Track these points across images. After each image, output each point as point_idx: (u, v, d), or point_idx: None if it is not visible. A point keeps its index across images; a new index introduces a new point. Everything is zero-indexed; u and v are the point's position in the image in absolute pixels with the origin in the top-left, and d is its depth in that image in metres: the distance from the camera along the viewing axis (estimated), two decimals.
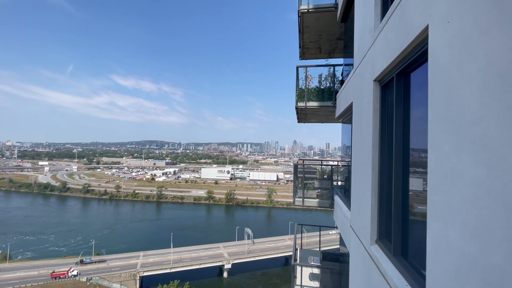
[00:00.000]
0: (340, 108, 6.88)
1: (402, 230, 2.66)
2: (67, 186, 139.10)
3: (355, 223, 4.34)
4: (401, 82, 2.76)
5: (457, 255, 1.36)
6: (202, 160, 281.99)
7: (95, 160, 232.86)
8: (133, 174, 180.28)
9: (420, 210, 2.35)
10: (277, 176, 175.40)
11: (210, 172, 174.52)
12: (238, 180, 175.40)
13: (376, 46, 3.33)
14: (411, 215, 2.57)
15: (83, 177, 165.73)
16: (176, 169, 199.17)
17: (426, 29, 1.90)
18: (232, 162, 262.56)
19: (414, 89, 2.58)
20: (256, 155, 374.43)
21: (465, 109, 1.38)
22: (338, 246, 7.33)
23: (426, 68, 1.93)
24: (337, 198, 7.19)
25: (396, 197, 2.73)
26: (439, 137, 1.62)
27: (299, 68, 8.33)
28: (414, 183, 2.53)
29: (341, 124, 8.08)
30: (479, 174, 1.26)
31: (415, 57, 2.36)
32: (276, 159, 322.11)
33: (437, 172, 1.63)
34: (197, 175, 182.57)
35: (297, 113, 9.01)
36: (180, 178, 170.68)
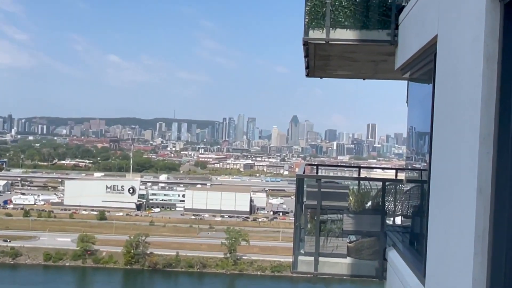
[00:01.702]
0: (408, 47, 7.13)
1: None
2: None
3: None
4: None
5: None
6: (68, 161, 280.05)
7: None
8: None
9: None
10: (252, 201, 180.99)
11: (87, 191, 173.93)
12: (157, 210, 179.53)
13: None
14: None
15: None
16: (2, 183, 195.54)
17: None
18: (142, 166, 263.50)
19: None
20: (202, 151, 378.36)
21: None
22: None
23: None
24: (395, 257, 7.53)
25: None
26: None
27: None
28: None
29: (406, 84, 8.34)
30: None
31: None
32: (249, 161, 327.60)
33: None
34: (54, 198, 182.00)
35: (306, 55, 9.20)
36: (11, 205, 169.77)
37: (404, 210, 8.66)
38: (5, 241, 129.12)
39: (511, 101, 3.40)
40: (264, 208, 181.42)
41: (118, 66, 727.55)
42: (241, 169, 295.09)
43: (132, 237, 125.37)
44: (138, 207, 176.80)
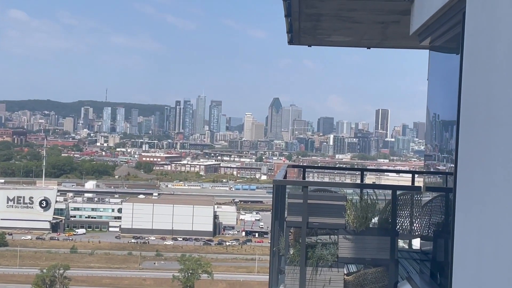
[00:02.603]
0: (427, 5, 7.21)
1: None
2: None
3: None
4: None
5: None
6: None
7: None
8: None
9: None
10: (216, 217, 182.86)
11: None
12: (81, 232, 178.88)
13: None
14: None
15: None
16: None
17: None
18: (61, 169, 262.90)
19: None
20: (147, 147, 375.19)
21: None
22: None
23: None
24: None
25: None
26: None
27: None
28: None
29: (427, 55, 8.43)
30: None
31: None
32: (213, 161, 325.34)
33: None
34: None
35: (287, 14, 9.31)
36: None
37: (423, 230, 8.77)
38: None
39: None
40: (233, 227, 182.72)
41: (25, 26, 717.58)
42: (202, 173, 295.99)
43: (45, 271, 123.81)
44: (55, 227, 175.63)
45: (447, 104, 6.64)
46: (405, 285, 7.97)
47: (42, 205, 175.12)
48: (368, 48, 12.49)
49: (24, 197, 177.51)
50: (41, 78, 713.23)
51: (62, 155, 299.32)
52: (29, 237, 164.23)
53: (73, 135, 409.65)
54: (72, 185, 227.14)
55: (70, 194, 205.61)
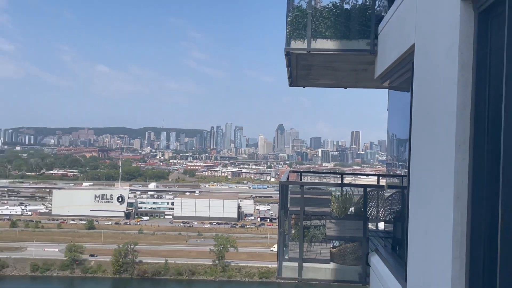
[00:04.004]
0: (387, 56, 7.17)
1: None
2: None
3: None
4: None
5: None
6: (56, 172, 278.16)
7: None
8: None
9: None
10: (240, 208, 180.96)
11: (75, 200, 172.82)
12: (146, 218, 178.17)
13: None
14: None
15: None
16: None
17: None
18: (131, 175, 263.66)
19: None
20: (191, 159, 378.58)
21: None
22: None
23: None
24: (377, 262, 7.55)
25: (507, 260, 2.90)
26: None
27: None
28: None
29: (387, 92, 8.39)
30: None
31: None
32: (237, 168, 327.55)
33: None
34: (42, 208, 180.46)
35: (288, 65, 9.23)
36: None
37: (385, 216, 8.67)
38: None
39: (486, 108, 3.42)
40: (251, 215, 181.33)
41: (107, 76, 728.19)
42: (229, 177, 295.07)
43: (121, 246, 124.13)
44: (127, 215, 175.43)
45: (401, 127, 6.60)
46: (374, 255, 7.88)
47: (118, 200, 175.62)
48: (345, 88, 12.43)
49: (106, 194, 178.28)
50: (118, 112, 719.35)
51: (132, 165, 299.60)
52: (110, 222, 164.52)
53: (140, 151, 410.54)
54: (139, 186, 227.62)
55: (138, 192, 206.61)
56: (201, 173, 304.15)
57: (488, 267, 3.27)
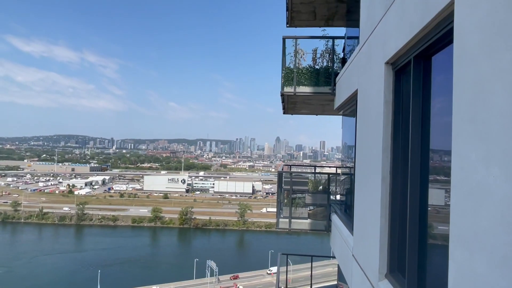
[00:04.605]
0: (341, 96, 7.10)
1: (419, 261, 2.81)
2: None
3: (359, 251, 4.48)
4: (420, 66, 2.92)
5: None
6: (146, 165, 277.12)
7: None
8: (40, 184, 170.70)
9: (442, 233, 2.51)
10: (253, 186, 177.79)
11: (157, 182, 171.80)
12: (198, 193, 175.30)
13: (389, 17, 3.45)
14: (431, 240, 2.72)
15: None
16: (107, 178, 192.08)
17: (451, 3, 2.04)
18: (189, 167, 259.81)
19: (437, 76, 2.73)
20: (224, 158, 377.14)
21: (495, 110, 1.48)
22: (335, 282, 7.62)
23: (451, 51, 1.98)
24: (335, 218, 7.43)
25: (413, 217, 2.91)
26: (464, 142, 1.73)
27: (286, 40, 8.40)
28: (436, 199, 2.70)
29: (341, 117, 8.37)
30: (509, 191, 1.36)
31: (438, 37, 2.47)
32: (251, 163, 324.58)
33: (462, 187, 1.73)
34: (137, 186, 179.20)
35: (282, 101, 9.12)
36: (112, 191, 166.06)
37: (340, 191, 8.58)
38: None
39: (400, 127, 3.42)
40: (260, 191, 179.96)
41: (175, 108, 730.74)
42: (247, 168, 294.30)
43: (183, 209, 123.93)
44: (187, 191, 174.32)
45: (350, 138, 6.56)
46: (334, 215, 7.80)
47: (182, 182, 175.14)
48: (317, 115, 12.35)
49: (174, 178, 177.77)
50: (181, 129, 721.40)
51: (190, 161, 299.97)
52: (177, 195, 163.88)
53: (194, 153, 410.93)
54: (194, 173, 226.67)
55: (193, 177, 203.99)
56: (230, 166, 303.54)
57: (403, 222, 3.26)
